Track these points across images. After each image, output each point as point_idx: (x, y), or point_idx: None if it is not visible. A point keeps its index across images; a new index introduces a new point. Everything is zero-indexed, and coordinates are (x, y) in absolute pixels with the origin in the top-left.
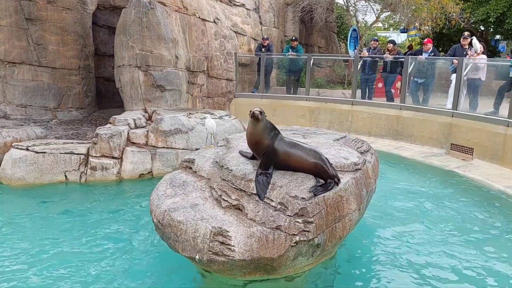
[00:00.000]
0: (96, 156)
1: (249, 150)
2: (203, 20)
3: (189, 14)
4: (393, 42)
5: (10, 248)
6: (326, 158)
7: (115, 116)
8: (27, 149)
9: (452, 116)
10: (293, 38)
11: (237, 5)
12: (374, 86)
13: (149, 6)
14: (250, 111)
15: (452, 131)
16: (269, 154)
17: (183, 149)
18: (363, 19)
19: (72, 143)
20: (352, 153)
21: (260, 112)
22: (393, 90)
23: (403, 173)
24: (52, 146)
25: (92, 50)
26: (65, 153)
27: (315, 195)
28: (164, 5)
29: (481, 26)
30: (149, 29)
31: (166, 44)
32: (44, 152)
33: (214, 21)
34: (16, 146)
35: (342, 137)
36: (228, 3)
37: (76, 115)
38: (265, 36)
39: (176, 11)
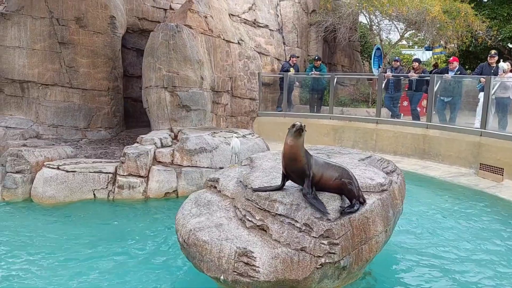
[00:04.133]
0: (123, 175)
1: (267, 184)
2: (228, 41)
3: (214, 36)
4: (418, 60)
5: (40, 262)
6: (354, 176)
7: (142, 136)
8: (58, 168)
9: (481, 135)
10: (316, 57)
11: (261, 26)
12: (399, 105)
13: (176, 29)
14: (293, 124)
15: (481, 151)
16: (307, 171)
17: (207, 167)
18: (387, 37)
19: (100, 162)
20: (378, 173)
21: (304, 126)
22: (419, 109)
23: (431, 194)
24: (82, 165)
25: (121, 72)
26: (94, 172)
27: (342, 214)
28: (191, 27)
29: (509, 43)
30: (176, 51)
31: (192, 65)
32: (74, 171)
33: (238, 42)
34: (47, 165)
35: (367, 157)
36: (252, 24)
37: (105, 135)
38: (295, 54)
39: (201, 33)
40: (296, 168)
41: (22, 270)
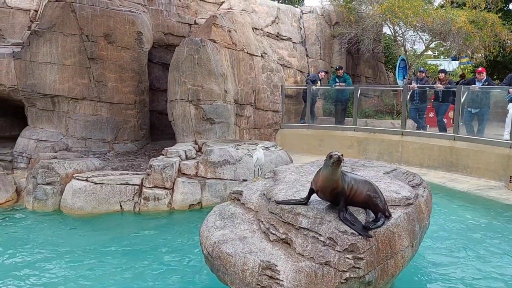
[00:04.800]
0: (149, 187)
1: (291, 197)
2: (251, 54)
3: (238, 49)
4: (444, 71)
5: (67, 271)
6: (380, 190)
7: (168, 148)
8: (87, 180)
9: (511, 147)
10: (338, 67)
11: (284, 39)
12: (425, 116)
13: (201, 44)
14: (330, 155)
15: (511, 163)
16: (344, 195)
17: (231, 180)
18: (411, 48)
19: (127, 174)
20: (404, 187)
21: (342, 156)
22: (445, 120)
23: (459, 207)
24: (109, 177)
25: (147, 86)
26: (121, 184)
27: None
28: (215, 42)
29: None
30: (200, 65)
31: (216, 79)
32: (102, 183)
33: (262, 55)
34: (76, 177)
35: (392, 170)
36: (275, 37)
37: (131, 147)
38: (324, 70)
39: (225, 47)
40: (333, 193)
41: (50, 278)
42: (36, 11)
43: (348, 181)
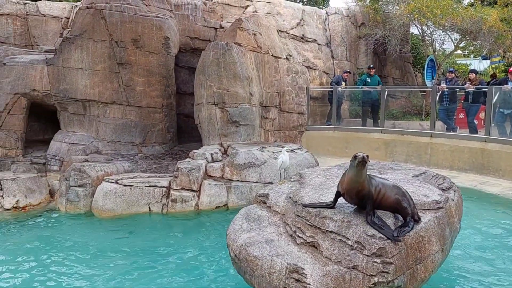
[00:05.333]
0: (176, 189)
1: (317, 200)
2: (276, 57)
3: (263, 52)
4: (474, 71)
5: (98, 271)
6: (408, 194)
7: (194, 151)
8: (117, 182)
9: None
10: (370, 66)
11: (309, 41)
12: (454, 117)
13: (226, 48)
14: (355, 156)
15: None
16: (370, 199)
17: (256, 182)
18: (440, 47)
19: (155, 176)
20: (433, 190)
21: (367, 157)
22: (476, 121)
23: (491, 211)
24: (138, 179)
25: (174, 90)
26: (149, 186)
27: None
28: (240, 45)
29: None
30: (226, 69)
31: (241, 82)
32: (131, 185)
33: (287, 58)
34: (107, 180)
35: (421, 173)
36: (300, 39)
37: (159, 150)
38: (348, 70)
39: (250, 50)
40: (359, 196)
41: (79, 278)
42: (68, 18)
43: (375, 185)
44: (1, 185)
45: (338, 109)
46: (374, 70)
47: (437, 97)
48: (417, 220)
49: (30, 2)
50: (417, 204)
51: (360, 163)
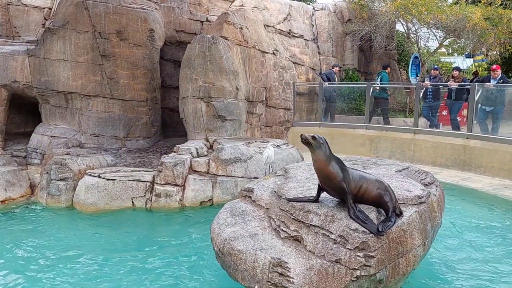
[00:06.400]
0: (160, 184)
1: (302, 194)
2: (263, 52)
3: (250, 47)
4: (458, 69)
5: (78, 266)
6: (391, 188)
7: (179, 145)
8: (99, 176)
9: None
10: (385, 64)
11: (296, 37)
12: (438, 114)
13: (212, 41)
14: (301, 135)
15: None
16: (348, 189)
17: (242, 177)
18: (425, 45)
19: (139, 171)
20: (415, 185)
21: (313, 137)
22: (459, 118)
23: (472, 206)
24: (121, 173)
25: (159, 83)
26: (133, 180)
27: (382, 231)
28: (226, 39)
29: None
30: (212, 63)
31: (227, 76)
32: (114, 179)
33: (273, 53)
34: (89, 173)
35: (404, 168)
36: (287, 34)
37: (143, 144)
38: (339, 64)
39: (237, 44)
40: (332, 185)
41: (59, 274)
42: (50, 9)
43: (355, 178)
44: None
45: (333, 105)
46: (389, 69)
47: (421, 94)
48: (399, 214)
49: None
50: (399, 199)
51: (302, 142)
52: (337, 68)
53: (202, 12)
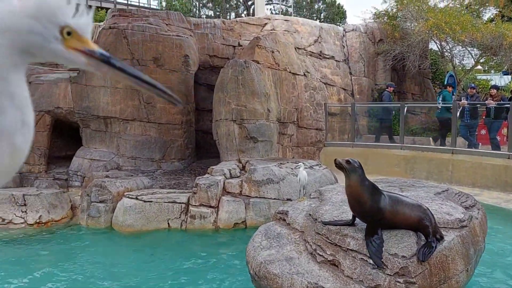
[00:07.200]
0: (195, 205)
1: (337, 218)
2: (294, 74)
3: (281, 69)
4: (496, 87)
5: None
6: (431, 212)
7: (213, 167)
8: (137, 198)
9: None
10: (448, 81)
11: (327, 58)
12: (476, 134)
13: (245, 65)
14: (335, 160)
15: None
16: (375, 216)
17: (274, 199)
18: (460, 62)
19: (174, 192)
20: (456, 208)
21: (348, 161)
22: (498, 138)
23: None
24: (158, 195)
25: (193, 107)
26: (169, 202)
27: (424, 260)
28: (258, 62)
29: None
30: (244, 86)
31: (259, 98)
32: (151, 201)
33: (304, 74)
34: (127, 195)
35: (444, 191)
36: (318, 56)
37: (178, 166)
38: (392, 84)
39: (268, 67)
40: (365, 212)
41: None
42: (92, 38)
43: (391, 202)
44: (25, 200)
45: (386, 124)
46: (451, 88)
47: (458, 113)
48: (440, 239)
49: None
50: (439, 223)
51: (337, 167)
52: (391, 88)
53: (234, 37)
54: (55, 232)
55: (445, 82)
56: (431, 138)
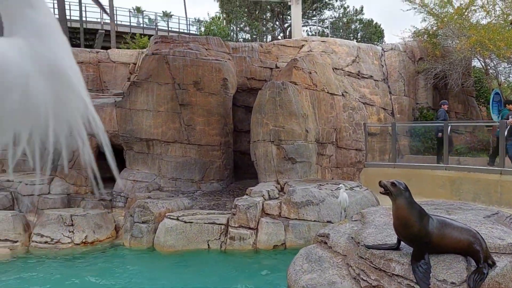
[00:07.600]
0: (234, 226)
1: (381, 241)
2: (332, 94)
3: (318, 90)
4: None
5: None
6: (481, 236)
7: (251, 188)
8: (177, 219)
9: None
10: (509, 101)
11: (365, 77)
12: None
13: (282, 87)
14: (380, 182)
15: None
16: (422, 240)
17: (314, 221)
18: (506, 79)
19: (214, 213)
20: (508, 232)
21: (393, 183)
22: None
23: None
24: (198, 216)
25: (232, 128)
26: (208, 223)
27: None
28: (295, 84)
29: None
30: (282, 107)
31: (297, 119)
32: (191, 222)
33: (342, 94)
34: (168, 216)
35: (494, 214)
36: (356, 76)
37: (217, 187)
38: (446, 101)
39: (306, 88)
40: (412, 236)
41: None
42: (135, 64)
43: (438, 225)
44: (72, 220)
45: (451, 146)
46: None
47: (506, 132)
48: (492, 265)
49: (102, 50)
50: (491, 248)
51: (382, 193)
52: (446, 106)
53: (271, 59)
54: (100, 251)
55: (491, 100)
56: (488, 157)
